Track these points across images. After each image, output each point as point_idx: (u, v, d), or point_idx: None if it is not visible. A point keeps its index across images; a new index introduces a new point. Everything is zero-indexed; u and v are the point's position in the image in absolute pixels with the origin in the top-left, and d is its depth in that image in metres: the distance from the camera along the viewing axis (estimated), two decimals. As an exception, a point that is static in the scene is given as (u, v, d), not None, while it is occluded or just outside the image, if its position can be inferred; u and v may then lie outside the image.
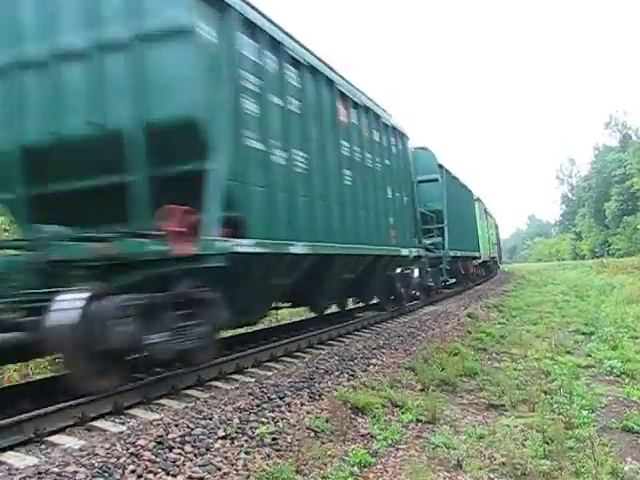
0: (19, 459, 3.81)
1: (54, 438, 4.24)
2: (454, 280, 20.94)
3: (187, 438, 4.08)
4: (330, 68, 8.99)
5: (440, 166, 18.26)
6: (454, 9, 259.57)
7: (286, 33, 7.60)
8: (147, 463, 3.64)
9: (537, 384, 6.42)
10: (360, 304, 12.69)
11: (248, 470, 3.80)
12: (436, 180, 17.33)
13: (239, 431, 4.35)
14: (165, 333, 5.12)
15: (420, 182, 15.27)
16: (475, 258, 24.36)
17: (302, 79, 7.87)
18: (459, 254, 19.70)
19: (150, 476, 3.53)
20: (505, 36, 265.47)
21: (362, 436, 4.75)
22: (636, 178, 62.48)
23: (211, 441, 4.13)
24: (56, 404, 4.62)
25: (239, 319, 7.08)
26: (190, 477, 3.59)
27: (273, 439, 4.32)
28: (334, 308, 11.46)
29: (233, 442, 4.18)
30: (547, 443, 4.57)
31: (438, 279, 16.71)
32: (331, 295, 9.71)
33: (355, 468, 4.10)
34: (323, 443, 4.44)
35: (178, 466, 3.70)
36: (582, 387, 6.40)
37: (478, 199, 28.05)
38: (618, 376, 7.10)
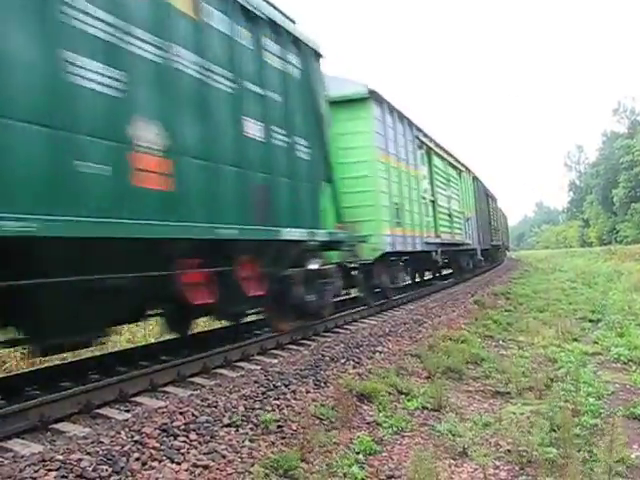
0: (24, 446, 3.82)
1: (59, 425, 4.26)
2: None
3: (192, 426, 4.08)
4: None
5: None
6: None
7: None
8: (152, 451, 3.64)
9: (544, 371, 6.39)
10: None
11: (253, 458, 3.79)
12: None
13: (244, 419, 4.34)
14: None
15: None
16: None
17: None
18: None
19: (154, 464, 3.52)
20: (514, 21, 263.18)
21: (367, 424, 4.74)
22: (644, 164, 62.05)
23: (216, 429, 4.12)
24: (61, 391, 4.63)
25: None
26: (195, 464, 3.59)
27: (278, 427, 4.31)
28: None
29: (238, 430, 4.18)
30: (554, 431, 4.54)
31: None
32: None
33: (360, 455, 4.10)
34: (328, 431, 4.43)
35: (183, 454, 3.70)
36: (589, 374, 6.37)
37: (413, 126, 13.77)
38: (625, 363, 7.06)
